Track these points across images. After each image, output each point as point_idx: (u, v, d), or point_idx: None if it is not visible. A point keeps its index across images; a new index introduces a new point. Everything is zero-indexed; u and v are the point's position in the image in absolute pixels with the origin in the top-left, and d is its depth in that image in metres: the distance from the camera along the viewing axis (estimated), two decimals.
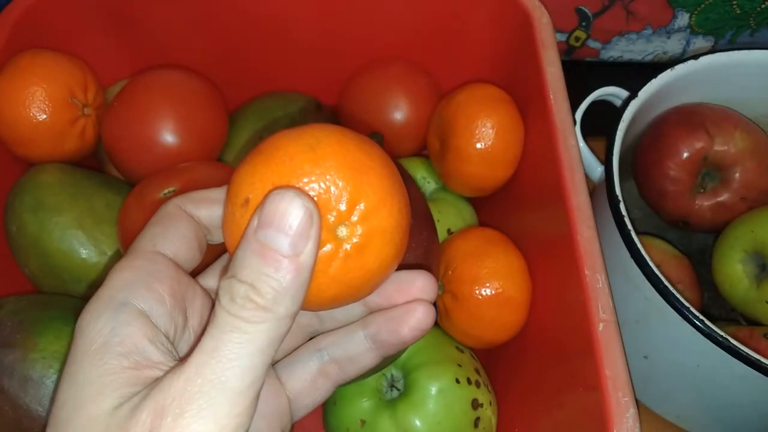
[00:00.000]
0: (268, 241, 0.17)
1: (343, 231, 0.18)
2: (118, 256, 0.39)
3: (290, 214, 0.17)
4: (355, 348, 0.23)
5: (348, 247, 0.18)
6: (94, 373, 0.17)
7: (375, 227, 0.19)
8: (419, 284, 0.22)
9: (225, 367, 0.16)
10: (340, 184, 0.18)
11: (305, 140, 0.18)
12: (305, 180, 0.18)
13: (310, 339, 0.24)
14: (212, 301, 0.22)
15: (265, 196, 0.17)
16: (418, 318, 0.21)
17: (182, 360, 0.17)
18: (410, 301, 0.22)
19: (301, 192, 0.17)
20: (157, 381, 0.17)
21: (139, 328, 0.18)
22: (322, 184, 0.18)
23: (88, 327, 0.18)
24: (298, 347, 0.24)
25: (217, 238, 0.23)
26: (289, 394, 0.23)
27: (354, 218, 0.18)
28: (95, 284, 0.39)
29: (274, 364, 0.23)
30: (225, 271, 0.20)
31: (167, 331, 0.19)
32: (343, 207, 0.18)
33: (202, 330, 0.21)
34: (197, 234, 0.22)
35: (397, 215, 0.19)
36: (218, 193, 0.23)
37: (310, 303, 0.19)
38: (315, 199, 0.18)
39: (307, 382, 0.23)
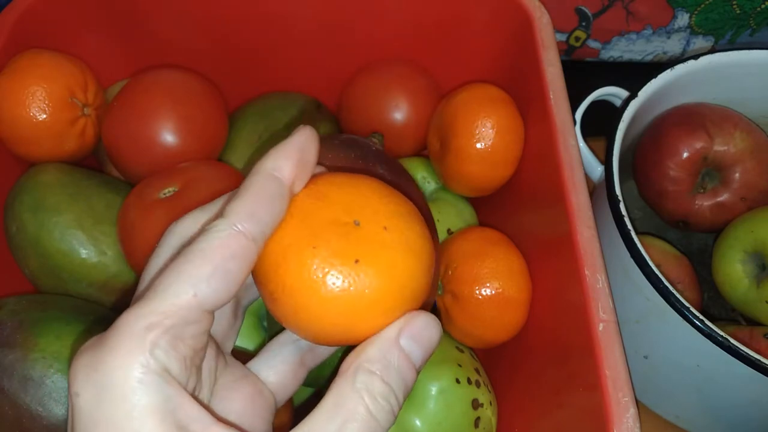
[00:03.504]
0: (409, 352, 0.19)
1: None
2: (118, 256, 0.39)
3: (434, 340, 0.20)
4: None
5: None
6: None
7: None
8: None
9: None
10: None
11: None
12: None
13: (282, 332, 0.24)
14: (217, 350, 0.22)
15: (411, 316, 0.20)
16: None
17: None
18: None
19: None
20: None
21: (180, 395, 0.17)
22: None
23: (119, 401, 0.16)
24: (271, 341, 0.24)
25: None
26: (271, 388, 0.23)
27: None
28: (96, 284, 0.39)
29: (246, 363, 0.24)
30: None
31: (185, 386, 0.18)
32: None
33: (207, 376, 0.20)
34: (250, 268, 0.19)
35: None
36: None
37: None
38: None
39: (288, 373, 0.24)
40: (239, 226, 0.18)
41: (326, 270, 0.19)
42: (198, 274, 0.17)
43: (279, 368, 0.23)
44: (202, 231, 0.18)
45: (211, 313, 0.18)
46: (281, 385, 0.23)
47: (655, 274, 0.35)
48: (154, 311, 0.17)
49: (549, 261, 0.36)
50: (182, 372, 0.17)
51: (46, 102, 0.39)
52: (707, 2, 0.53)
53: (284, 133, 0.44)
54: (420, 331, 0.19)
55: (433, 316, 0.20)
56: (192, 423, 0.17)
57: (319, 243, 0.19)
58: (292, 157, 0.20)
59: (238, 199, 0.19)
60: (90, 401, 0.16)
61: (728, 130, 0.43)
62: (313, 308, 0.19)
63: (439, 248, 0.38)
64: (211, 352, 0.21)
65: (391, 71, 0.47)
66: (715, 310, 0.47)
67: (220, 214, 0.19)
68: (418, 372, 0.19)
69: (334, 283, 0.18)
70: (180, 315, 0.17)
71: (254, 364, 0.23)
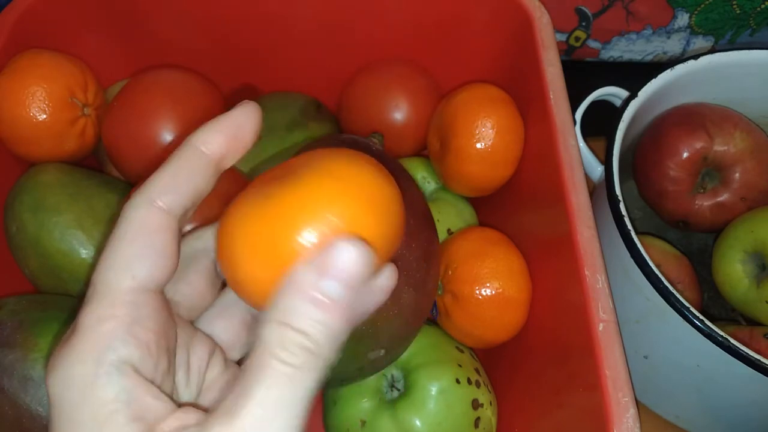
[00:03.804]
0: (324, 288, 0.16)
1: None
2: None
3: (355, 265, 0.16)
4: None
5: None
6: None
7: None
8: None
9: (278, 416, 0.16)
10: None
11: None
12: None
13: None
14: (208, 340, 0.21)
15: (326, 241, 0.17)
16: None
17: (219, 412, 0.16)
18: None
19: (364, 242, 0.17)
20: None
21: (139, 387, 0.17)
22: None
23: (82, 395, 0.16)
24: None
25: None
26: (222, 344, 0.22)
27: None
28: None
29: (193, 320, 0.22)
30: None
31: (153, 378, 0.18)
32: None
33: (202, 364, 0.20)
34: (177, 240, 0.19)
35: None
36: (189, 175, 0.19)
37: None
38: None
39: (237, 331, 0.22)
40: (155, 201, 0.18)
41: (245, 218, 0.17)
42: (128, 256, 0.17)
43: (229, 322, 0.23)
44: (120, 211, 0.18)
45: (159, 291, 0.18)
46: (231, 343, 0.23)
47: (655, 274, 0.35)
48: (100, 304, 0.17)
49: (549, 261, 0.36)
50: (146, 358, 0.17)
51: (46, 102, 0.39)
52: (707, 2, 0.53)
53: (283, 133, 0.44)
54: (332, 261, 0.16)
55: (355, 238, 0.17)
56: (148, 413, 0.17)
57: (242, 199, 0.18)
58: (224, 132, 0.20)
59: (157, 172, 0.19)
60: (56, 399, 0.17)
61: (728, 130, 0.43)
62: (242, 264, 0.17)
63: (438, 246, 0.38)
64: (202, 352, 0.21)
65: (391, 71, 0.47)
66: (715, 310, 0.47)
67: (137, 187, 0.19)
68: (349, 307, 0.17)
69: (251, 229, 0.17)
70: (126, 301, 0.17)
71: (201, 321, 0.23)
